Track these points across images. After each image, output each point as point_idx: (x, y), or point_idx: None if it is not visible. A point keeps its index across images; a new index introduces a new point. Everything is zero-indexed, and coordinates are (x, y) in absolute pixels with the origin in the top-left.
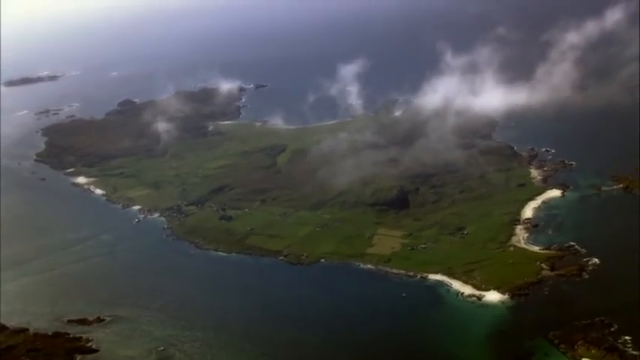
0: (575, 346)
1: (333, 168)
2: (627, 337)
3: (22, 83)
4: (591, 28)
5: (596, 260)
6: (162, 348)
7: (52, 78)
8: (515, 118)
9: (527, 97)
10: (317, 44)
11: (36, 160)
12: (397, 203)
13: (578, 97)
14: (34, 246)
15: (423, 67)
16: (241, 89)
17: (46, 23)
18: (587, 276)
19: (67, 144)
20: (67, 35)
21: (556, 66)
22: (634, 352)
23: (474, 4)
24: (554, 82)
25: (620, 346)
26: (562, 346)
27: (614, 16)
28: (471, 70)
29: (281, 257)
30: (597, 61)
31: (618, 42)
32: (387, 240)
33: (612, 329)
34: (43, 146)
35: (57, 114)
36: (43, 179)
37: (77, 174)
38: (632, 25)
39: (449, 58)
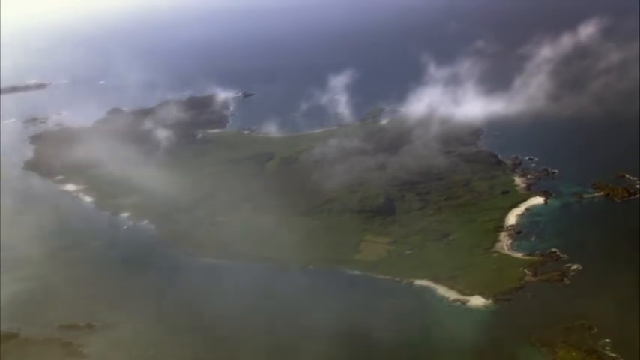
0: (557, 349)
1: (321, 175)
2: (606, 340)
3: (10, 91)
4: (565, 41)
5: (577, 266)
6: (152, 352)
7: (40, 86)
8: (496, 127)
9: (506, 107)
10: (305, 54)
11: (24, 169)
12: (384, 210)
13: (553, 107)
14: (22, 253)
15: (408, 78)
16: (230, 97)
17: (43, 29)
18: (568, 281)
19: (55, 152)
20: (59, 42)
21: (532, 77)
22: (612, 354)
23: (456, 20)
24: (530, 93)
25: (600, 349)
26: (543, 348)
27: (587, 31)
28: (453, 80)
29: (270, 263)
30: (571, 73)
31: (591, 55)
32: (374, 246)
33: (592, 332)
34: (31, 154)
35: (45, 122)
36: (32, 187)
37: (66, 181)
38: (605, 38)
39: (432, 69)
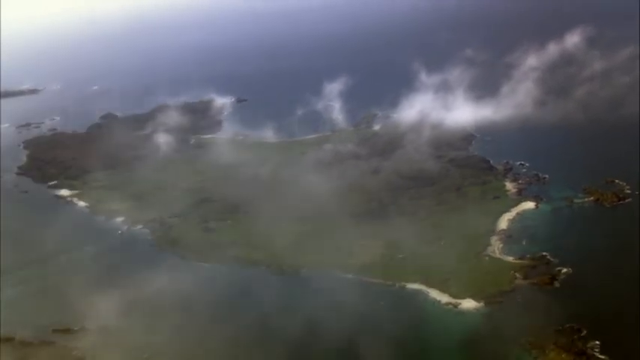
0: (547, 351)
1: (315, 180)
2: (596, 342)
3: (3, 97)
4: (551, 49)
5: (567, 269)
6: (146, 356)
7: (33, 91)
8: (486, 132)
9: (495, 113)
10: (299, 59)
11: (18, 174)
12: (376, 214)
13: (541, 114)
14: (17, 258)
15: (400, 84)
16: (224, 103)
17: (43, 32)
18: (558, 285)
19: (49, 157)
20: (58, 45)
21: (519, 84)
22: (601, 356)
23: (446, 29)
24: (518, 99)
25: (589, 351)
26: (534, 351)
27: (572, 39)
28: (444, 87)
29: (263, 267)
30: (557, 81)
31: (576, 63)
32: (367, 250)
33: (582, 335)
34: (24, 159)
35: (38, 127)
36: (26, 192)
37: (60, 187)
38: (590, 47)
39: (424, 76)
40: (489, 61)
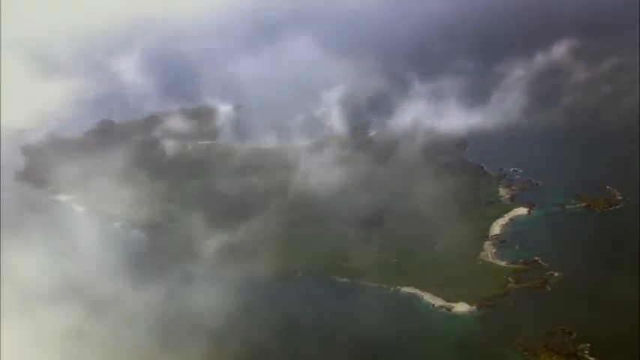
0: (538, 353)
1: (311, 185)
2: (586, 344)
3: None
4: (539, 60)
5: (559, 274)
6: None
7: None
8: (480, 140)
9: (486, 120)
10: (297, 66)
11: (16, 179)
12: (372, 219)
13: (530, 121)
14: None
15: (394, 92)
16: (222, 109)
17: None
18: (549, 288)
19: (47, 162)
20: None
21: (510, 93)
22: (591, 358)
23: (437, 41)
24: (508, 107)
25: (579, 353)
26: (525, 353)
27: (559, 50)
28: (437, 95)
29: (259, 272)
30: (545, 89)
31: (562, 72)
32: (362, 255)
33: (572, 337)
34: (22, 165)
35: (35, 133)
36: (24, 197)
37: (58, 191)
38: (576, 57)
39: (417, 84)
40: (479, 70)
